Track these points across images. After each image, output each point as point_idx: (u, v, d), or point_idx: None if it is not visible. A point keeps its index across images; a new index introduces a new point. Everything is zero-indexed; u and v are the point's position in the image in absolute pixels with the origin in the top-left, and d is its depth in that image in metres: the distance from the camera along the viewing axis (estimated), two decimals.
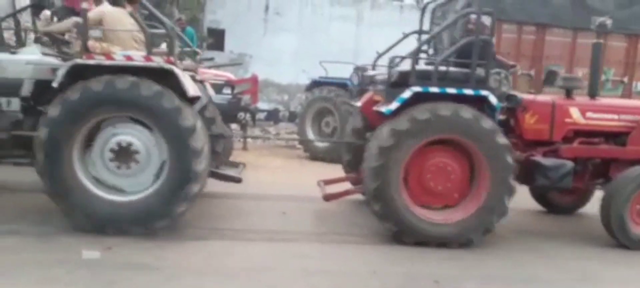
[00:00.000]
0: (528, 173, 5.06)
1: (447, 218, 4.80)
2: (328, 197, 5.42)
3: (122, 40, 4.83)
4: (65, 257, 3.99)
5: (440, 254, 4.66)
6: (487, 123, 4.65)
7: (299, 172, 8.69)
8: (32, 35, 7.45)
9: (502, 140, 4.68)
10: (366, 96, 6.07)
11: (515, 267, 4.52)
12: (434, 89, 4.69)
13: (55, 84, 4.38)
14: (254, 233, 4.95)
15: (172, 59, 4.59)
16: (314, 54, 12.78)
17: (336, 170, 8.77)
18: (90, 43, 4.56)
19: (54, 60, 4.93)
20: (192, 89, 4.60)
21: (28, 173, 6.27)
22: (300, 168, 9.18)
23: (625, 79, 8.63)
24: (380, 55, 6.55)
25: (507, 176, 4.68)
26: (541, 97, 5.52)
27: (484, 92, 4.72)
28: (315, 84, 10.17)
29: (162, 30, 4.89)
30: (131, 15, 5.05)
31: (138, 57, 4.56)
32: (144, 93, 4.33)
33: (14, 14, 7.11)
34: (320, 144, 9.83)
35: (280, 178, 8.01)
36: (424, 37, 6.47)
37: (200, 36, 13.80)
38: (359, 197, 6.49)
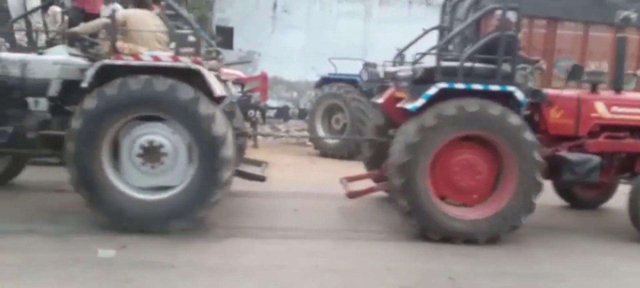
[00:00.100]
0: (554, 168, 5.01)
1: (473, 214, 4.78)
2: (352, 195, 5.42)
3: (146, 40, 4.87)
4: (80, 255, 4.03)
5: (455, 250, 4.63)
6: (515, 119, 4.64)
7: (310, 169, 8.69)
8: (43, 36, 7.54)
9: (529, 137, 4.66)
10: (387, 93, 6.05)
11: (531, 263, 4.48)
12: (460, 85, 4.66)
13: (84, 84, 4.44)
14: (266, 230, 4.96)
15: (199, 59, 4.62)
16: (323, 51, 12.77)
17: (346, 166, 8.78)
18: (119, 44, 4.61)
19: (80, 61, 5.01)
20: (218, 89, 4.65)
21: (45, 173, 6.37)
22: (311, 165, 9.18)
23: (638, 72, 8.54)
24: (400, 52, 6.52)
25: (534, 173, 4.67)
26: (566, 92, 5.49)
27: (510, 88, 4.70)
28: (325, 81, 10.16)
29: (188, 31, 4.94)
30: (159, 16, 5.11)
31: (165, 57, 4.60)
32: (181, 96, 4.37)
33: (25, 16, 7.19)
34: (330, 141, 9.82)
35: (291, 175, 8.01)
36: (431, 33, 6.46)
37: (209, 35, 13.84)
38: (369, 195, 6.53)
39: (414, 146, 4.59)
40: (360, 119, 9.36)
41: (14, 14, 7.39)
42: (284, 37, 16.12)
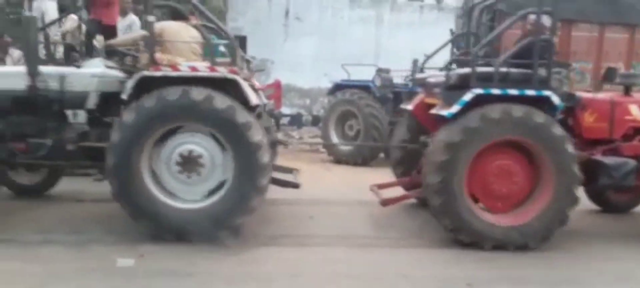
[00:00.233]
0: (590, 173, 4.96)
1: (505, 221, 4.75)
2: (385, 202, 5.42)
3: (181, 51, 4.93)
4: (100, 265, 4.08)
5: (473, 256, 4.61)
6: (558, 130, 4.62)
7: (324, 176, 8.69)
8: (60, 48, 7.67)
9: (570, 149, 4.64)
10: (417, 99, 6.03)
11: (551, 269, 4.44)
12: (496, 91, 4.65)
13: (124, 96, 4.53)
14: (283, 238, 4.97)
15: (235, 69, 4.68)
16: (335, 57, 12.79)
17: (360, 173, 8.80)
18: (157, 55, 4.68)
19: (117, 73, 5.12)
20: (254, 98, 4.71)
21: (64, 183, 6.45)
22: (325, 171, 9.18)
23: None
24: (428, 58, 6.54)
25: (572, 186, 4.65)
26: (600, 95, 5.45)
27: (546, 93, 4.68)
28: (338, 87, 10.16)
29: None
30: (196, 27, 5.19)
31: (202, 67, 4.66)
32: (219, 106, 4.42)
33: (43, 28, 7.32)
34: (344, 147, 9.82)
35: (305, 182, 7.97)
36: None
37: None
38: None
39: (454, 146, 4.57)
40: (373, 124, 9.35)
41: None
42: (297, 44, 16.19)
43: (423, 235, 5.22)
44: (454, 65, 5.34)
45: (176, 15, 5.23)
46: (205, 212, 4.57)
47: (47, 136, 4.86)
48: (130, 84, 4.53)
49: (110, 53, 5.49)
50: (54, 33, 7.57)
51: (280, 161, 9.44)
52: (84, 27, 7.81)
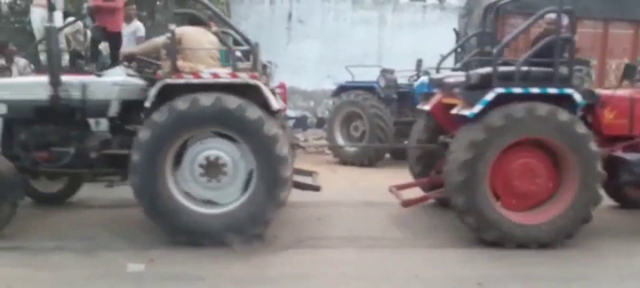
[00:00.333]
0: (610, 169, 4.93)
1: (529, 219, 4.75)
2: (406, 203, 5.42)
3: (200, 58, 4.94)
4: (110, 270, 4.09)
5: (484, 255, 4.59)
6: (581, 128, 4.63)
7: (330, 178, 8.66)
8: (66, 56, 7.72)
9: (593, 147, 4.64)
10: (435, 99, 6.02)
11: (563, 266, 4.41)
12: (517, 90, 4.65)
13: (147, 104, 4.55)
14: (291, 240, 4.96)
15: (256, 74, 4.69)
16: (338, 59, 12.81)
17: (367, 174, 8.80)
18: (179, 63, 4.69)
19: (138, 81, 5.16)
20: (275, 103, 4.74)
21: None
22: (331, 173, 9.16)
23: None
24: (444, 58, 6.55)
25: (595, 184, 4.66)
26: (619, 92, 5.44)
27: (568, 90, 4.68)
28: (342, 89, 10.16)
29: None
30: (216, 34, 5.21)
31: (224, 74, 4.68)
32: (250, 115, 4.44)
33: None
34: (350, 149, 9.81)
35: None
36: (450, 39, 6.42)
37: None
38: (391, 202, 6.50)
39: (478, 144, 4.57)
40: (379, 125, 9.34)
41: (38, 35, 7.58)
42: (299, 47, 16.22)
43: (432, 235, 5.21)
44: (464, 65, 5.35)
45: (194, 21, 5.23)
46: (223, 218, 4.57)
47: (70, 145, 4.91)
48: (153, 91, 4.56)
49: (129, 61, 5.51)
50: (60, 41, 7.59)
51: None
52: (89, 34, 7.88)
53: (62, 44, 7.66)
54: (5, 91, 4.95)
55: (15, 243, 4.56)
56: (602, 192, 4.82)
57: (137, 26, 8.25)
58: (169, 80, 4.55)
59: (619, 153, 5.06)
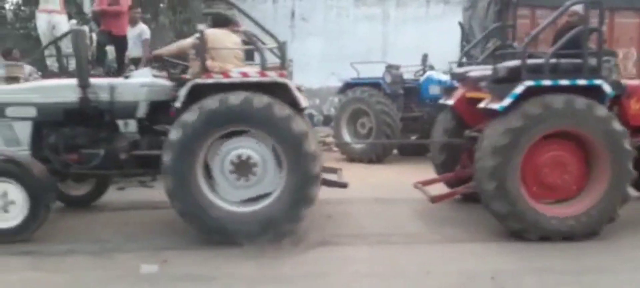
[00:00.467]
0: (637, 160, 4.90)
1: (568, 211, 4.75)
2: (435, 199, 5.42)
3: (225, 58, 4.96)
4: (124, 272, 4.11)
5: (496, 249, 4.59)
6: (617, 125, 4.63)
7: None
8: (72, 61, 7.74)
9: (618, 126, 4.65)
10: (457, 93, 6.01)
11: (576, 257, 4.40)
12: (547, 82, 4.64)
13: (178, 104, 4.58)
14: (303, 238, 4.93)
15: (284, 72, 4.71)
16: (342, 56, 12.79)
17: (375, 170, 8.78)
18: (209, 63, 4.72)
19: (165, 82, 5.21)
20: (303, 101, 4.78)
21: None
22: (339, 171, 9.16)
23: None
24: (466, 52, 6.58)
25: (626, 162, 4.66)
26: None
27: (597, 82, 4.67)
28: (348, 86, 10.14)
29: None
30: (245, 33, 5.25)
31: (253, 73, 4.70)
32: (278, 113, 4.46)
33: (55, 41, 7.40)
34: (357, 146, 9.80)
35: None
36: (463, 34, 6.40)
37: None
38: (401, 197, 6.50)
39: (514, 131, 4.56)
40: (385, 121, 9.32)
41: (44, 40, 7.62)
42: (303, 44, 16.18)
43: (443, 230, 5.20)
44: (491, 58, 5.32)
45: (218, 22, 5.24)
46: (257, 216, 4.60)
47: (100, 146, 4.95)
48: (183, 92, 4.59)
49: (157, 62, 5.56)
50: (66, 46, 7.63)
51: None
52: (95, 38, 7.91)
53: (69, 48, 7.69)
54: (34, 94, 5.00)
55: (28, 247, 4.58)
56: (631, 190, 4.83)
57: (142, 29, 8.28)
58: (199, 80, 4.58)
59: None
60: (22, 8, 16.57)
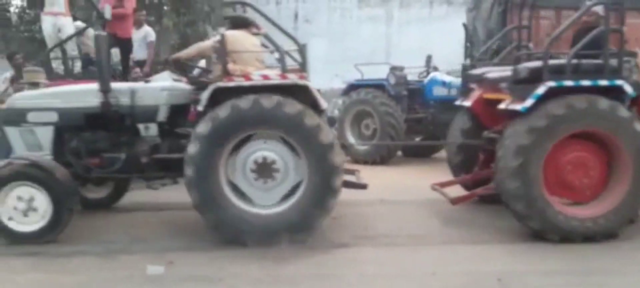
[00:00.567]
0: None
1: (589, 212, 4.75)
2: (455, 201, 5.42)
3: (245, 61, 4.96)
4: (130, 274, 4.11)
5: (503, 250, 4.58)
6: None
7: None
8: (78, 63, 7.78)
9: (639, 127, 4.64)
10: (475, 94, 5.99)
11: (583, 259, 4.39)
12: (569, 83, 4.65)
13: (200, 107, 4.62)
14: (308, 239, 4.94)
15: (304, 75, 4.72)
16: (345, 58, 12.80)
17: (380, 171, 8.76)
18: (230, 66, 4.73)
19: (184, 85, 5.25)
20: (323, 103, 4.81)
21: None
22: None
23: None
24: (482, 52, 6.60)
25: None
26: None
27: (618, 82, 4.67)
28: (352, 87, 10.13)
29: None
30: (266, 36, 5.27)
31: (274, 75, 4.72)
32: (288, 111, 4.47)
33: (61, 44, 7.43)
34: (361, 147, 9.80)
35: None
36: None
37: None
38: (406, 199, 6.50)
39: (538, 130, 4.56)
40: (390, 123, 9.31)
41: (49, 43, 7.65)
42: (307, 46, 16.22)
43: (449, 231, 5.20)
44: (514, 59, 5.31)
45: (237, 24, 5.25)
46: (283, 217, 4.61)
47: (121, 150, 4.99)
48: (205, 95, 4.61)
49: (176, 65, 5.60)
50: (72, 48, 7.67)
51: None
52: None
53: (74, 51, 7.73)
54: (55, 99, 5.04)
55: (35, 249, 4.59)
56: None
57: (147, 31, 8.32)
58: (220, 84, 4.59)
59: None
60: (27, 11, 16.67)
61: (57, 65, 7.91)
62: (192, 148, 4.49)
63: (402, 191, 6.89)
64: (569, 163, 4.73)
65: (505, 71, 5.43)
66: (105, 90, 4.90)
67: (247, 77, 4.65)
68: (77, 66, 7.71)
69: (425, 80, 10.06)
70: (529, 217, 4.68)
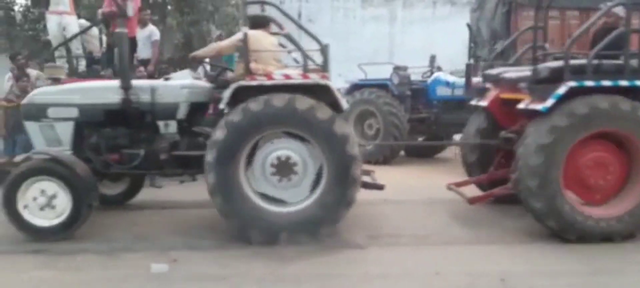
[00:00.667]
0: None
1: (607, 213, 4.74)
2: (473, 200, 5.41)
3: (264, 60, 4.97)
4: (133, 272, 4.13)
5: (507, 250, 4.57)
6: None
7: None
8: (82, 62, 7.81)
9: None
10: (491, 95, 5.98)
11: (587, 259, 4.38)
12: (590, 83, 4.65)
13: (222, 105, 4.64)
14: (313, 239, 4.94)
15: (326, 74, 4.73)
16: (349, 58, 12.77)
17: (383, 171, 8.69)
18: (253, 65, 4.75)
19: (204, 84, 5.30)
20: (344, 102, 4.83)
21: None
22: None
23: None
24: (502, 50, 6.63)
25: None
26: None
27: (639, 83, 4.67)
28: (356, 87, 10.13)
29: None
30: (287, 36, 5.31)
31: (295, 75, 4.74)
32: (320, 116, 4.50)
33: (65, 43, 7.46)
34: (365, 147, 9.78)
35: None
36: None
37: None
38: (409, 199, 6.49)
39: (560, 129, 4.56)
40: (393, 123, 9.31)
41: (54, 41, 7.68)
42: (310, 46, 16.22)
43: (452, 231, 5.19)
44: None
45: (256, 24, 5.26)
46: (295, 216, 4.64)
47: (140, 147, 5.03)
48: (227, 93, 4.63)
49: (195, 63, 5.66)
50: (76, 47, 7.70)
51: None
52: (104, 40, 7.96)
53: (79, 50, 7.76)
54: (76, 95, 5.08)
55: (39, 246, 4.62)
56: None
57: (152, 30, 8.34)
58: (242, 83, 4.61)
59: None
60: (31, 10, 16.72)
61: (62, 64, 7.94)
62: (219, 134, 4.50)
63: (406, 191, 6.88)
64: (589, 164, 4.73)
65: (523, 71, 5.42)
66: (126, 87, 4.94)
67: (269, 76, 4.67)
68: (82, 65, 7.74)
69: (429, 80, 10.06)
70: (546, 216, 4.67)
